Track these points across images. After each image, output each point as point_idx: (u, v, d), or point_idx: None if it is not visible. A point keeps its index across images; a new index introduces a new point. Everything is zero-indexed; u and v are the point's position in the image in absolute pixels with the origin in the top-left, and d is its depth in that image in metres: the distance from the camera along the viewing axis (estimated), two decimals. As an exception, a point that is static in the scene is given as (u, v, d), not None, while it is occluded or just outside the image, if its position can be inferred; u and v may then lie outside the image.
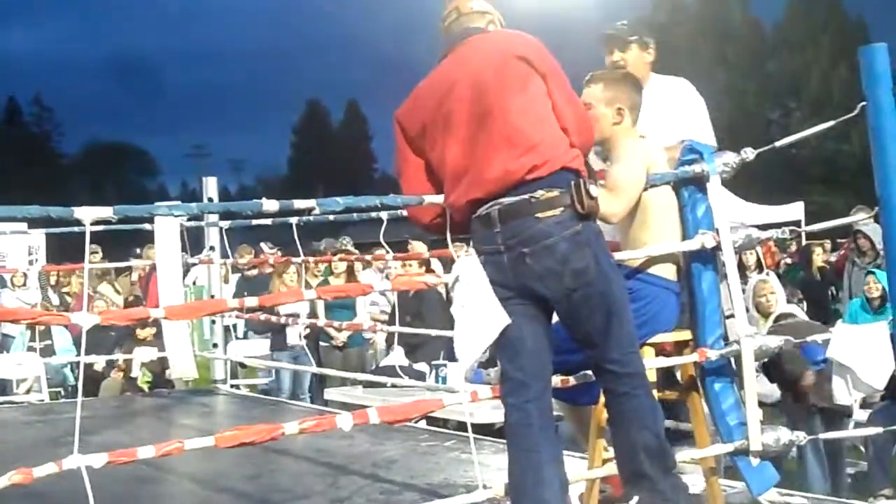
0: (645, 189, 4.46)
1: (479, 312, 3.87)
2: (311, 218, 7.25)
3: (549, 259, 3.79)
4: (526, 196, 3.81)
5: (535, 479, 3.84)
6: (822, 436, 6.61)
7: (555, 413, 4.22)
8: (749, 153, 4.72)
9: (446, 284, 4.15)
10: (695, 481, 4.82)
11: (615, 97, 4.55)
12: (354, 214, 7.01)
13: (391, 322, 9.89)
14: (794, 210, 23.64)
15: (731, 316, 4.60)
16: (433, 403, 4.44)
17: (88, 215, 3.65)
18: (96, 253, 14.17)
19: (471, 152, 3.90)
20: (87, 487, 3.43)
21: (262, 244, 13.62)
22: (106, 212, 3.69)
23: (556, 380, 4.18)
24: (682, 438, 4.75)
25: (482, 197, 3.88)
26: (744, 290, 9.26)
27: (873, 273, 9.07)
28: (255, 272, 13.21)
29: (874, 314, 8.78)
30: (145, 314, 4.34)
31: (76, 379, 11.85)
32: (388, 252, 6.22)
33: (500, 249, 3.85)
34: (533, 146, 3.83)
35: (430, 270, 10.40)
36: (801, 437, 4.72)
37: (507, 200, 3.84)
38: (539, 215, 3.80)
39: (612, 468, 4.29)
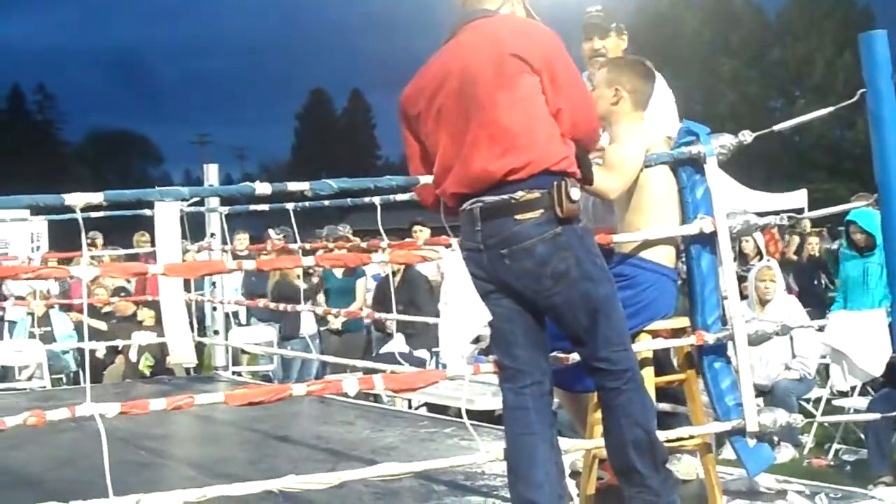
0: (642, 169, 4.50)
1: (460, 309, 3.90)
2: (308, 204, 7.27)
3: (527, 261, 3.78)
4: (506, 196, 3.78)
5: (529, 461, 3.86)
6: (822, 419, 6.63)
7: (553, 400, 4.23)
8: (747, 136, 4.71)
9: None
10: (696, 464, 4.85)
11: (614, 79, 4.67)
12: (349, 200, 7.01)
13: (386, 308, 9.85)
14: (798, 198, 23.61)
15: (726, 298, 4.61)
16: (437, 374, 4.44)
17: (78, 202, 3.64)
18: (97, 239, 14.14)
19: (458, 147, 3.86)
20: (102, 441, 3.44)
21: (270, 230, 13.58)
22: (96, 198, 3.67)
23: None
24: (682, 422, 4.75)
25: (466, 192, 3.87)
26: (746, 277, 9.34)
27: (854, 222, 9.02)
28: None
29: (862, 257, 8.96)
30: (144, 269, 4.35)
31: (78, 365, 11.87)
32: (383, 240, 6.20)
33: (480, 248, 3.85)
34: (516, 146, 3.77)
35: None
36: (798, 419, 4.73)
37: (488, 199, 3.82)
38: (518, 217, 3.78)
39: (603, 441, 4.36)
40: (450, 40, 4.03)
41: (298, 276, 11.33)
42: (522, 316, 3.90)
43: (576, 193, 3.78)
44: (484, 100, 3.80)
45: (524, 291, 3.84)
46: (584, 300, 3.82)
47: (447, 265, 4.00)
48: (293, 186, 4.19)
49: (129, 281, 12.97)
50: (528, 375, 3.92)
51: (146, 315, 11.29)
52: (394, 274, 10.90)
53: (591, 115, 4.08)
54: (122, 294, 11.72)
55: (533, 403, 3.90)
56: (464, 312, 3.89)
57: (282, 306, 9.39)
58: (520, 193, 3.78)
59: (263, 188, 4.10)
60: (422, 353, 9.67)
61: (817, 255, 14.47)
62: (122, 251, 13.17)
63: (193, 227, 9.26)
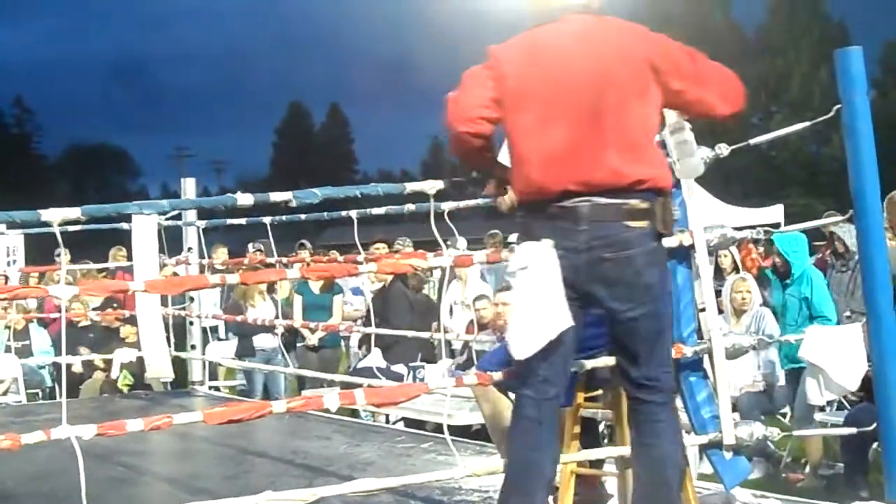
0: None
1: (542, 307, 3.71)
2: (285, 218, 7.23)
3: (627, 268, 3.76)
4: (619, 201, 3.75)
5: (532, 477, 3.82)
6: (798, 433, 6.64)
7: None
8: (723, 149, 4.74)
9: (433, 269, 4.12)
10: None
11: None
12: (326, 214, 6.92)
13: (367, 323, 9.85)
14: (774, 213, 23.66)
15: (703, 310, 4.61)
16: (419, 388, 4.43)
17: (56, 217, 3.62)
18: (65, 255, 13.99)
19: (577, 144, 3.75)
20: (79, 462, 3.41)
21: (250, 245, 13.52)
22: (74, 213, 3.65)
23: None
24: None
25: (578, 190, 3.76)
26: (721, 291, 9.37)
27: (773, 243, 9.11)
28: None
29: (782, 286, 9.08)
30: (124, 287, 4.32)
31: (54, 380, 11.77)
32: (360, 254, 6.19)
33: (580, 248, 3.75)
34: (643, 158, 3.78)
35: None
36: (774, 432, 4.74)
37: (599, 200, 3.75)
38: (629, 223, 3.76)
39: (580, 456, 4.42)
40: (552, 24, 3.88)
41: (255, 299, 11.33)
42: (577, 328, 3.82)
43: (676, 213, 3.87)
44: (619, 105, 3.76)
45: (607, 301, 3.80)
46: (656, 319, 3.85)
47: (532, 258, 3.78)
48: (276, 196, 4.15)
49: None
50: (553, 387, 3.85)
51: (129, 332, 11.19)
52: (381, 289, 10.88)
53: (727, 80, 4.02)
54: (104, 308, 11.59)
55: (547, 418, 3.85)
56: (544, 311, 3.71)
57: (242, 319, 9.41)
58: (634, 201, 3.76)
59: (245, 199, 4.06)
60: (399, 368, 9.63)
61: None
62: (92, 265, 13.06)
63: (170, 242, 9.23)
